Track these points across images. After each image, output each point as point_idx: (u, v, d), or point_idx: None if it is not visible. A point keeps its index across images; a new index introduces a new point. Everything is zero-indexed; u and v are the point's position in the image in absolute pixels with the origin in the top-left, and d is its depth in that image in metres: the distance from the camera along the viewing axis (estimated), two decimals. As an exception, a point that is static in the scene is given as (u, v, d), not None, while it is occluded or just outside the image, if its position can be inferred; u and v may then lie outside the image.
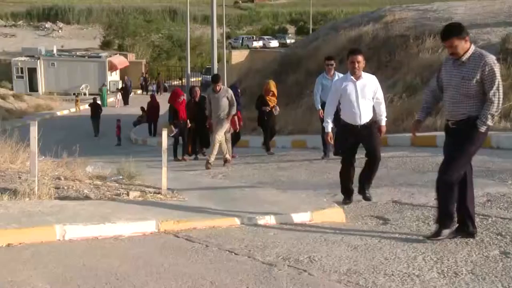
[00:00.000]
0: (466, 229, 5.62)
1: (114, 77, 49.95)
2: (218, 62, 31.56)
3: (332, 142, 7.97)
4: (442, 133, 12.61)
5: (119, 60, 51.60)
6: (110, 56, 51.57)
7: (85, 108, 39.16)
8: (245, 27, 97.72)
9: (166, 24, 76.16)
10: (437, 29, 19.84)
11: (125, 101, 42.79)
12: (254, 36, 75.87)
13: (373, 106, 7.41)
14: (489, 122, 5.53)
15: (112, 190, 7.58)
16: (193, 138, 15.07)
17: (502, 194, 7.36)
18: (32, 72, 48.08)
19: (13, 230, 5.40)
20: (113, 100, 43.24)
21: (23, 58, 49.07)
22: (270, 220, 6.54)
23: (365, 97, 7.31)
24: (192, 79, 43.02)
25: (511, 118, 12.50)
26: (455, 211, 5.60)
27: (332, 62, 11.62)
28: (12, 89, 46.58)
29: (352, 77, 7.39)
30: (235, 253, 5.22)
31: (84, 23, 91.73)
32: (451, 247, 5.35)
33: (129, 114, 34.28)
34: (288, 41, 70.56)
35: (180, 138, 15.21)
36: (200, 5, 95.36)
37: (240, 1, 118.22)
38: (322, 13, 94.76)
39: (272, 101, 14.32)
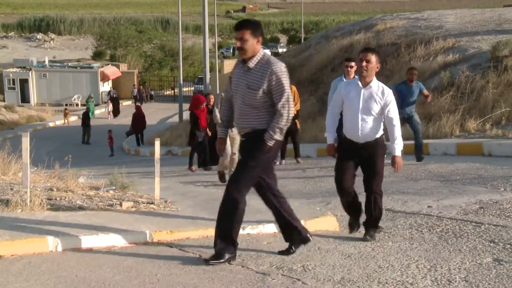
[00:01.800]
0: (296, 237, 5.43)
1: (106, 87, 49.92)
2: (210, 71, 31.68)
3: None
4: (435, 140, 12.75)
5: (111, 71, 51.59)
6: (102, 67, 51.56)
7: (75, 119, 39.30)
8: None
9: (158, 34, 76.19)
10: (428, 38, 19.99)
11: (115, 113, 42.00)
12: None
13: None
14: (277, 136, 5.07)
15: (105, 201, 7.56)
16: (205, 150, 14.51)
17: (494, 201, 7.38)
18: (24, 83, 48.03)
19: (5, 242, 5.37)
20: (105, 111, 43.12)
21: (14, 70, 49.03)
22: (264, 229, 6.53)
23: (370, 110, 5.86)
24: (185, 89, 43.08)
25: (502, 126, 12.56)
26: (234, 233, 5.18)
27: (353, 63, 10.34)
28: (3, 100, 46.52)
29: (359, 82, 6.01)
30: (228, 263, 5.20)
31: (76, 33, 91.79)
32: (444, 254, 5.36)
33: (121, 124, 34.22)
34: (280, 50, 70.75)
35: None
36: (192, 15, 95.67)
37: (232, 11, 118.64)
38: (314, 22, 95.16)
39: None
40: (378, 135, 5.95)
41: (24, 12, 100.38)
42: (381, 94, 5.89)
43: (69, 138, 31.86)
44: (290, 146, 13.25)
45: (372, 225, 6.12)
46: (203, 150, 14.40)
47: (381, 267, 5.03)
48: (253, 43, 5.02)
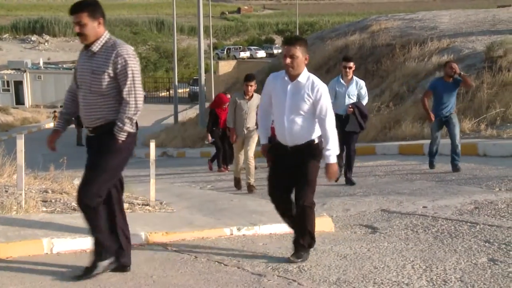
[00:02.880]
0: (117, 260, 4.82)
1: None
2: (205, 72, 31.68)
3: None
4: (430, 141, 12.70)
5: (106, 72, 51.46)
6: (97, 68, 51.43)
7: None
8: (232, 38, 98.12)
9: (152, 36, 76.23)
10: (423, 38, 20.03)
11: None
12: (241, 47, 75.98)
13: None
14: (128, 127, 4.54)
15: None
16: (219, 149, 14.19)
17: (489, 202, 7.40)
18: (18, 85, 47.96)
19: (0, 244, 5.35)
20: None
21: (9, 71, 48.95)
22: (259, 230, 6.53)
23: (298, 107, 5.04)
24: (180, 90, 43.07)
25: (497, 126, 12.59)
26: (107, 237, 4.75)
27: (351, 64, 9.74)
28: (-2, 102, 46.40)
29: (285, 75, 5.13)
30: (224, 264, 5.20)
31: (71, 35, 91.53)
32: (439, 254, 5.37)
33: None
34: (275, 51, 70.83)
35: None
36: (186, 17, 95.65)
37: (227, 12, 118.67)
38: (309, 23, 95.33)
39: None
40: (311, 138, 5.10)
41: (19, 13, 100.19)
42: (311, 89, 5.02)
43: (64, 140, 31.69)
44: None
45: (302, 243, 5.21)
46: (218, 150, 14.08)
47: (376, 267, 5.03)
48: (93, 26, 4.50)
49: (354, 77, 9.84)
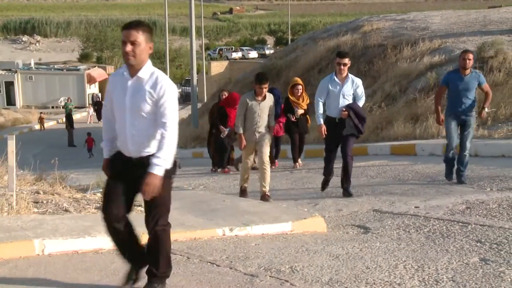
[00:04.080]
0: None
1: (93, 90, 49.71)
2: (197, 73, 31.65)
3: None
4: (422, 141, 12.74)
5: (98, 73, 51.41)
6: (89, 69, 51.35)
7: (53, 124, 39.09)
8: (224, 38, 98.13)
9: (144, 36, 76.06)
10: (414, 39, 20.09)
11: (99, 116, 39.88)
12: (234, 47, 75.98)
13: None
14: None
15: (92, 203, 7.51)
16: (218, 149, 13.44)
17: (481, 201, 7.42)
18: (10, 86, 47.72)
19: (-9, 246, 5.33)
20: (85, 116, 42.62)
21: (0, 72, 48.68)
22: (251, 230, 6.53)
23: (139, 109, 4.17)
24: (172, 91, 42.93)
25: (488, 126, 12.64)
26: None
27: (347, 60, 8.65)
28: (-11, 103, 46.20)
29: (125, 71, 4.27)
30: (216, 265, 5.20)
31: (62, 36, 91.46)
32: (431, 254, 5.38)
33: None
34: (267, 51, 70.84)
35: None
36: (178, 17, 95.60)
37: (219, 13, 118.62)
38: (301, 23, 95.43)
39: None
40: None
41: (9, 14, 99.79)
42: (153, 87, 4.14)
43: (55, 141, 31.71)
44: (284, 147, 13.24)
45: (156, 273, 4.38)
46: (224, 149, 13.35)
47: (369, 267, 5.04)
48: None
49: (350, 75, 8.71)
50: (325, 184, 9.13)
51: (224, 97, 13.30)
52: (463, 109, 8.71)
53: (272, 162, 11.19)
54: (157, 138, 4.15)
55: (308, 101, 12.32)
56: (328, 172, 9.02)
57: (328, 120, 8.79)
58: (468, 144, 8.85)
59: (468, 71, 8.70)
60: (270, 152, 9.69)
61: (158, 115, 4.12)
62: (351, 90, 8.64)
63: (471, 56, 8.75)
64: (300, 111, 12.25)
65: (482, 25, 21.06)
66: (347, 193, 8.67)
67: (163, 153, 4.08)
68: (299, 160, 12.75)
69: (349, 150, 8.66)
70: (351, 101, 8.63)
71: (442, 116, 9.00)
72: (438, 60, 17.22)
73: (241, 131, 8.96)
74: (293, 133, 12.54)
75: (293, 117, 12.20)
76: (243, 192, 9.30)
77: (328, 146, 8.97)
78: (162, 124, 4.11)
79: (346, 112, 8.52)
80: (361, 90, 8.75)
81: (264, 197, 8.83)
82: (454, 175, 8.99)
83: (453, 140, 8.86)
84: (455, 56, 17.00)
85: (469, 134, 8.84)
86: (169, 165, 4.15)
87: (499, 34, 18.22)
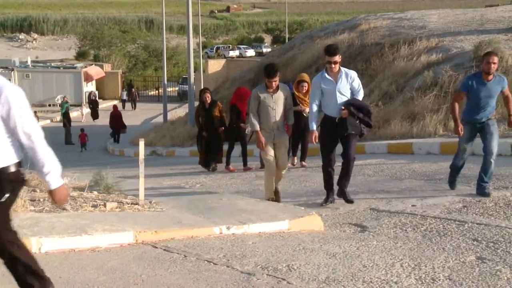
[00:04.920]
0: None
1: (90, 87, 49.62)
2: (194, 71, 31.63)
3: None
4: (419, 140, 12.75)
5: (95, 71, 51.29)
6: (86, 67, 51.25)
7: (46, 124, 38.98)
8: (221, 37, 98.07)
9: (142, 34, 75.98)
10: (412, 37, 20.09)
11: (94, 115, 39.91)
12: (231, 46, 75.94)
13: None
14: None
15: (89, 202, 7.51)
16: (205, 150, 13.23)
17: (477, 200, 7.44)
18: (6, 83, 47.55)
19: (-12, 244, 5.32)
20: (78, 114, 42.29)
21: (-4, 70, 48.56)
22: (248, 229, 6.53)
23: None
24: (169, 89, 42.93)
25: (485, 125, 12.63)
26: None
27: (337, 57, 7.72)
28: (-15, 101, 46.02)
29: None
30: (213, 263, 5.20)
31: (59, 33, 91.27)
32: (428, 253, 5.39)
33: (104, 124, 34.07)
34: (264, 50, 70.83)
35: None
36: (176, 15, 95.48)
37: (216, 11, 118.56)
38: (298, 22, 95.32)
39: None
40: (4, 164, 3.61)
41: (6, 12, 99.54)
42: None
43: (52, 139, 31.53)
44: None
45: None
46: (245, 147, 13.06)
47: (365, 266, 5.04)
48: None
49: (343, 69, 7.84)
50: (327, 200, 8.15)
51: (208, 99, 12.89)
52: (482, 117, 7.81)
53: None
54: (8, 153, 3.62)
55: None
56: (328, 165, 8.00)
57: (326, 119, 7.93)
58: (494, 149, 7.82)
59: (491, 76, 7.66)
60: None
61: (18, 129, 3.58)
62: (347, 85, 7.77)
63: (495, 59, 7.70)
64: (307, 109, 11.56)
65: (479, 24, 21.08)
66: (346, 198, 7.95)
67: (47, 166, 3.67)
68: (295, 161, 12.36)
69: (351, 151, 7.81)
70: (349, 97, 7.80)
71: (461, 125, 7.97)
72: (435, 58, 17.22)
73: (257, 127, 8.19)
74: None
75: (302, 111, 11.25)
76: (274, 200, 8.40)
77: (324, 150, 7.99)
78: (27, 136, 3.61)
79: (346, 111, 7.66)
80: (357, 83, 7.84)
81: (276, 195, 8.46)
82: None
83: (465, 149, 8.14)
84: (452, 55, 17.02)
85: (492, 137, 7.79)
86: (58, 169, 3.74)
87: (496, 33, 18.25)
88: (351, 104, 7.73)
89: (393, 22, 24.64)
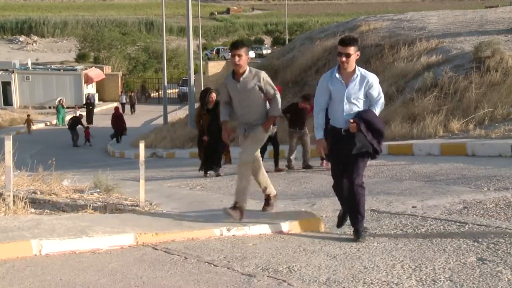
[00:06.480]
0: None
1: (90, 90, 49.62)
2: (194, 73, 31.64)
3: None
4: (419, 141, 12.77)
5: (95, 73, 51.30)
6: (86, 69, 51.26)
7: (41, 127, 38.98)
8: (221, 38, 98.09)
9: (142, 36, 76.02)
10: (412, 39, 20.11)
11: (89, 119, 38.63)
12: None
13: None
14: None
15: (89, 204, 7.51)
16: (206, 154, 12.62)
17: (478, 201, 7.43)
18: (6, 86, 47.57)
19: (-12, 246, 5.32)
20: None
21: (-4, 72, 48.56)
22: (249, 231, 6.53)
23: None
24: (169, 91, 42.95)
25: (485, 126, 12.66)
26: None
27: (352, 49, 6.05)
28: (-15, 103, 46.08)
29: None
30: (214, 265, 5.19)
31: (59, 36, 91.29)
32: (429, 254, 5.38)
33: (105, 126, 34.07)
34: (264, 51, 70.86)
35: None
36: (176, 17, 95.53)
37: (216, 13, 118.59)
38: (298, 23, 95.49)
39: None
40: None
41: (6, 14, 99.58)
42: None
43: (52, 141, 31.64)
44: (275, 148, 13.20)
45: None
46: (277, 147, 12.56)
47: (366, 267, 5.04)
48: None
49: (359, 70, 6.18)
50: (342, 219, 6.67)
51: (213, 99, 12.22)
52: None
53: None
54: None
55: None
56: (340, 188, 6.38)
57: (332, 130, 6.29)
58: None
59: None
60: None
61: None
62: (361, 91, 6.11)
63: None
64: None
65: (479, 25, 21.11)
66: (358, 236, 6.14)
67: None
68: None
69: (357, 177, 6.16)
70: (361, 107, 6.14)
71: None
72: (435, 60, 17.24)
73: (224, 118, 7.29)
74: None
75: None
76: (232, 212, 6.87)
77: (333, 158, 6.44)
78: None
79: (355, 125, 6.04)
80: (376, 91, 6.15)
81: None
82: None
83: None
84: (452, 56, 17.04)
85: None
86: None
87: (496, 34, 18.27)
88: (362, 119, 6.09)
89: (393, 23, 24.66)
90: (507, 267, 4.87)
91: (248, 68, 6.99)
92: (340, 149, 6.15)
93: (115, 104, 46.88)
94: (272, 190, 7.41)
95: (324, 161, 11.94)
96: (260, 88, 6.97)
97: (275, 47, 75.80)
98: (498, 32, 18.71)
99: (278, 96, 7.12)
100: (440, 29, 21.52)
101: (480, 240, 5.76)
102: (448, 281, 4.61)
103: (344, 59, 6.03)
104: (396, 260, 5.24)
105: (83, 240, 5.72)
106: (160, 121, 35.40)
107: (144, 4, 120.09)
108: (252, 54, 70.78)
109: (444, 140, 12.51)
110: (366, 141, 6.06)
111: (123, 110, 44.21)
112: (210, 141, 12.32)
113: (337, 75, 6.15)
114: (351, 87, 6.09)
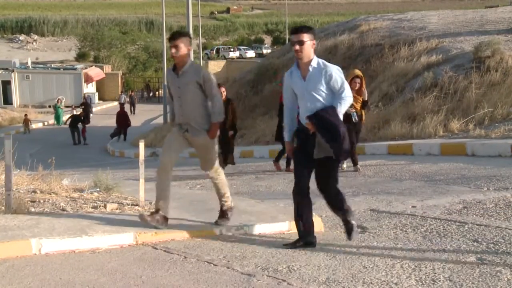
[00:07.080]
0: None
1: (90, 89, 49.62)
2: (194, 72, 31.56)
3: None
4: (419, 141, 12.79)
5: (95, 72, 51.31)
6: (86, 68, 51.26)
7: (40, 127, 38.94)
8: (221, 38, 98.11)
9: (142, 35, 76.02)
10: (412, 38, 20.11)
11: (86, 119, 37.44)
12: (231, 47, 75.93)
13: None
14: None
15: (89, 203, 7.51)
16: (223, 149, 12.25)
17: (478, 201, 7.43)
18: (6, 85, 47.60)
19: (-12, 245, 5.32)
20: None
21: (-4, 71, 48.57)
22: (248, 230, 6.53)
23: None
24: (169, 90, 42.82)
25: (485, 126, 12.66)
26: None
27: (305, 36, 5.55)
28: (-15, 102, 46.09)
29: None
30: (213, 264, 5.19)
31: (59, 35, 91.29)
32: (428, 254, 5.38)
33: (106, 125, 34.08)
34: (264, 51, 70.85)
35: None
36: (176, 16, 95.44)
37: (216, 12, 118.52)
38: (298, 23, 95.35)
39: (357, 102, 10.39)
40: None
41: (6, 13, 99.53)
42: None
43: (52, 140, 31.65)
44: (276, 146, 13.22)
45: None
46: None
47: (366, 267, 5.04)
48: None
49: (317, 61, 5.59)
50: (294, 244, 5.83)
51: (224, 93, 12.01)
52: None
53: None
54: None
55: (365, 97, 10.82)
56: (299, 190, 5.92)
57: (301, 130, 5.70)
58: None
59: None
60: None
61: None
62: (321, 84, 5.49)
63: None
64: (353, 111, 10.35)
65: (479, 25, 21.11)
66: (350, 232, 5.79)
67: None
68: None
69: (326, 185, 5.78)
70: (326, 102, 5.50)
71: None
72: (435, 59, 17.24)
73: (171, 118, 6.72)
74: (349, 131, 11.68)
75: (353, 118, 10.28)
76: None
77: (297, 158, 5.82)
78: None
79: (311, 124, 5.47)
80: (338, 83, 5.48)
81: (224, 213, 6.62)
82: None
83: None
84: (453, 56, 17.04)
85: None
86: None
87: (496, 34, 18.28)
88: (317, 116, 5.45)
89: (393, 23, 24.66)
90: (506, 267, 4.87)
91: (189, 62, 6.41)
92: (306, 150, 5.60)
93: (115, 103, 46.94)
94: (230, 204, 6.74)
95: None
96: (200, 86, 6.26)
97: (275, 47, 75.80)
98: (498, 32, 18.71)
99: (219, 97, 6.39)
100: (440, 29, 21.52)
101: (480, 240, 5.76)
102: (448, 281, 4.61)
103: (297, 47, 5.49)
104: (395, 259, 5.24)
105: (83, 239, 5.72)
106: (160, 120, 35.41)
107: (144, 3, 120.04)
108: (252, 53, 70.88)
109: (444, 140, 12.51)
110: (327, 145, 5.43)
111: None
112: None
113: (296, 70, 5.69)
114: (308, 79, 5.55)
